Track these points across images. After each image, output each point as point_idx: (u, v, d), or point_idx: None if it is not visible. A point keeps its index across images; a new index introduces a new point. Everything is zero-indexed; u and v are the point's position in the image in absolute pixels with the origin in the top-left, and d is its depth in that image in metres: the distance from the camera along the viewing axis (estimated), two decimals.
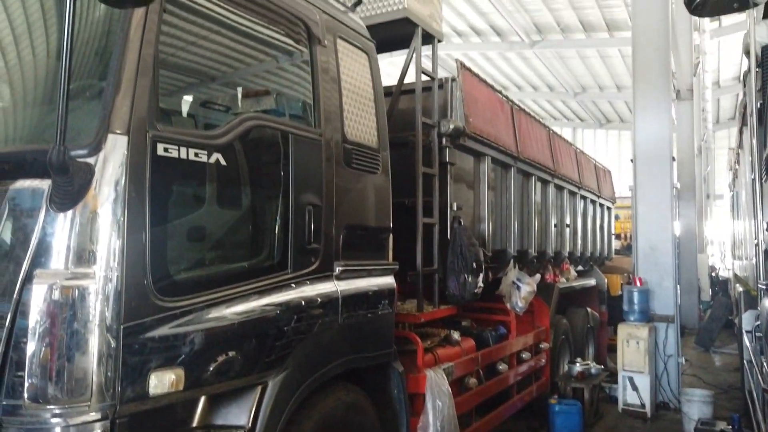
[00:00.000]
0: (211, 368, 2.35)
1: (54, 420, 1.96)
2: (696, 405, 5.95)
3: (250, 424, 2.49)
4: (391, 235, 3.60)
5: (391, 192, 3.57)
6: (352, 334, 3.15)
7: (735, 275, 8.62)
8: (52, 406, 1.95)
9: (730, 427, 5.06)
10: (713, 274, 17.02)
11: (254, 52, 3.10)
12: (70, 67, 1.85)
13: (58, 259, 1.99)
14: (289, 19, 2.98)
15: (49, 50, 2.48)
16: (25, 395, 1.93)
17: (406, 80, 4.43)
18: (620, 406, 6.72)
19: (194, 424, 2.43)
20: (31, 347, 1.94)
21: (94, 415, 2.00)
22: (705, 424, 5.65)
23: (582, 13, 14.40)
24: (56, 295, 1.96)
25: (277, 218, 2.77)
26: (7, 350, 1.95)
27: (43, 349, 1.95)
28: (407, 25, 4.20)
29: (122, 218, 2.06)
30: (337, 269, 3.08)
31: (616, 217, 11.50)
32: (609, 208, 9.80)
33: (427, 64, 4.42)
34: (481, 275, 4.46)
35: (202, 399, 2.45)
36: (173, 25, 2.45)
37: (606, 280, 9.08)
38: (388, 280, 3.50)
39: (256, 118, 2.67)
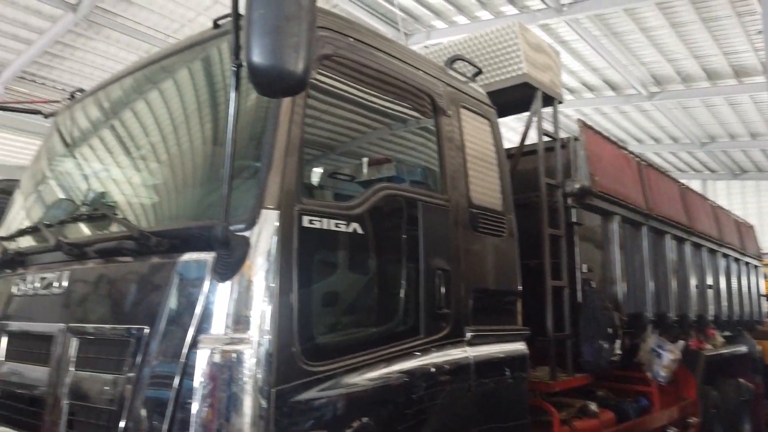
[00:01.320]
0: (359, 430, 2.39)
1: None
2: None
3: None
4: (520, 299, 3.53)
5: (518, 254, 3.53)
6: (485, 403, 3.07)
7: None
8: None
9: None
10: None
11: (383, 125, 3.29)
12: (233, 153, 2.08)
13: (218, 325, 2.18)
14: (416, 94, 3.15)
15: (209, 137, 2.79)
16: None
17: (527, 141, 4.44)
18: None
19: None
20: (195, 406, 2.10)
21: None
22: None
23: (705, 61, 13.69)
24: (216, 358, 2.13)
25: (409, 283, 2.83)
26: (174, 410, 2.13)
27: (205, 409, 2.10)
28: (527, 89, 4.25)
29: (274, 286, 2.22)
30: (468, 334, 3.06)
31: (765, 276, 10.39)
32: (756, 267, 8.90)
33: (546, 126, 4.42)
34: (618, 341, 4.20)
35: None
36: (314, 107, 2.68)
37: (759, 347, 8.12)
38: (520, 346, 3.41)
39: (389, 187, 2.80)
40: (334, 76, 2.75)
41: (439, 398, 2.78)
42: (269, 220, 2.26)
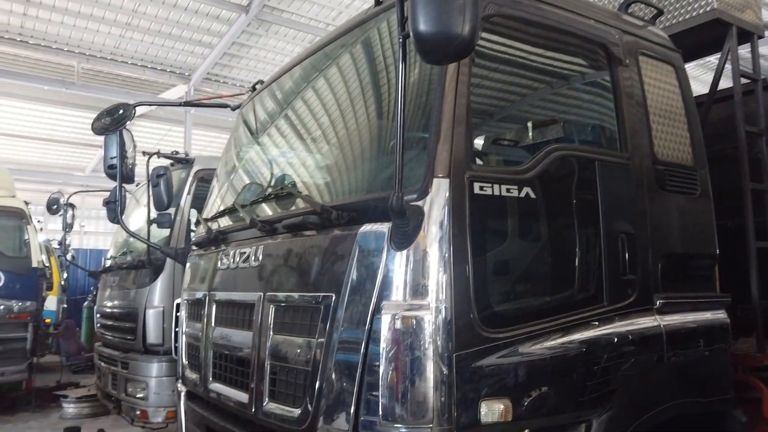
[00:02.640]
0: (535, 402, 2.35)
1: None
2: None
3: None
4: (717, 264, 3.17)
5: (713, 214, 3.16)
6: (680, 375, 2.83)
7: None
8: (400, 425, 2.18)
9: None
10: None
11: (552, 83, 3.12)
12: (404, 124, 2.12)
13: (398, 292, 2.26)
14: (588, 47, 2.93)
15: (378, 111, 2.87)
16: (380, 413, 2.20)
17: (719, 86, 3.92)
18: None
19: None
20: (381, 370, 2.21)
21: None
22: None
23: None
24: (398, 324, 2.22)
25: (589, 249, 2.68)
26: (363, 372, 2.26)
27: (390, 372, 2.20)
28: (717, 27, 3.73)
29: (448, 254, 2.24)
30: (658, 302, 2.82)
31: None
32: None
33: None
34: None
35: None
36: (480, 72, 2.62)
37: None
38: (720, 315, 3.07)
39: (562, 148, 2.66)
40: (499, 37, 2.66)
41: (626, 369, 2.61)
42: (441, 189, 2.27)
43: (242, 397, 2.94)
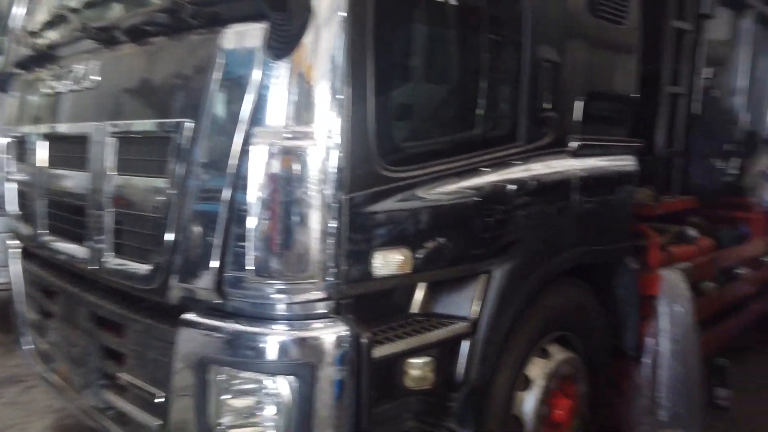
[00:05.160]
0: (436, 251, 2.03)
1: (278, 296, 1.79)
2: None
3: (473, 315, 2.17)
4: (634, 108, 2.92)
5: (640, 51, 2.84)
6: (587, 223, 2.64)
7: None
8: (276, 281, 1.77)
9: None
10: None
11: None
12: None
13: (275, 117, 1.72)
14: None
15: None
16: (249, 267, 1.76)
17: None
18: None
19: (415, 311, 2.19)
20: (252, 215, 1.73)
21: (318, 294, 1.79)
22: None
23: None
24: (275, 157, 1.71)
25: (509, 76, 2.27)
26: (229, 218, 1.77)
27: (264, 218, 1.73)
28: None
29: (342, 66, 1.71)
30: (573, 144, 2.53)
31: None
32: None
33: None
34: (734, 160, 3.59)
35: (423, 286, 2.18)
36: None
37: None
38: (630, 162, 2.88)
39: None
40: None
41: (533, 216, 2.35)
42: None
43: (82, 252, 2.38)
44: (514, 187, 2.24)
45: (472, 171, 2.15)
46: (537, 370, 2.52)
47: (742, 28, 4.03)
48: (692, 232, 3.81)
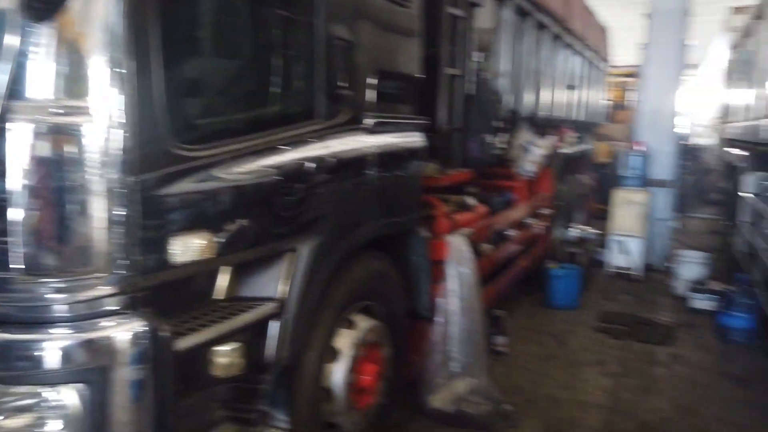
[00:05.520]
0: (239, 233, 1.96)
1: (55, 296, 1.57)
2: (690, 266, 5.99)
3: (281, 295, 2.15)
4: (419, 87, 3.11)
5: (423, 33, 3.03)
6: (384, 197, 2.77)
7: (727, 141, 8.51)
8: (52, 279, 1.55)
9: (731, 286, 5.10)
10: (683, 143, 17.09)
11: None
12: None
13: (40, 89, 1.48)
14: None
15: None
16: (16, 265, 1.51)
17: None
18: (609, 268, 6.77)
19: (220, 297, 2.09)
20: (16, 205, 1.48)
21: (106, 289, 1.61)
22: (699, 283, 5.74)
23: None
24: (42, 136, 1.48)
25: (304, 54, 2.25)
26: None
27: (33, 207, 1.49)
28: None
29: (124, 38, 1.52)
30: (369, 122, 2.62)
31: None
32: (603, 72, 9.32)
33: None
34: (502, 135, 4.06)
35: (227, 270, 2.10)
36: None
37: (595, 147, 8.86)
38: (419, 138, 3.07)
39: None
40: None
41: (334, 192, 2.39)
42: None
43: None
44: (314, 164, 2.24)
45: (272, 149, 2.10)
46: (344, 341, 2.61)
47: (503, 18, 4.54)
48: (471, 200, 4.24)
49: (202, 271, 1.96)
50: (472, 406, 3.42)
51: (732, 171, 7.77)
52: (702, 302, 5.52)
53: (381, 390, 2.88)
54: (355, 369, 2.63)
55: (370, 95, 2.62)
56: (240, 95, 2.14)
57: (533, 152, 5.10)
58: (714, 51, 13.53)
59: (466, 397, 3.47)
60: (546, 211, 5.97)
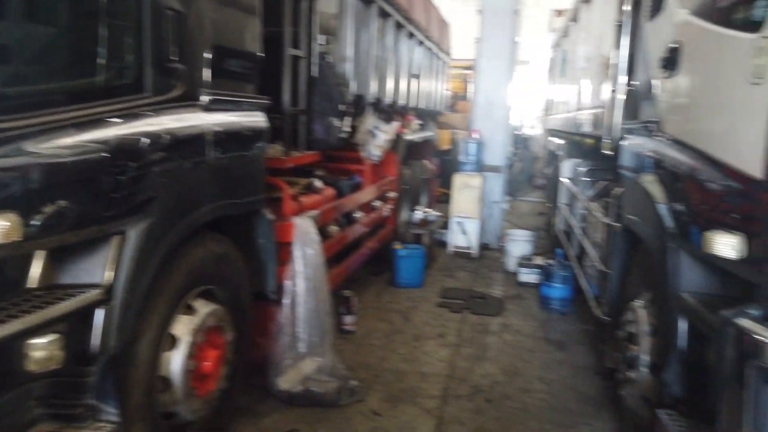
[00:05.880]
0: (55, 214, 1.80)
1: None
2: (519, 244, 6.60)
3: (107, 281, 2.01)
4: (259, 67, 3.06)
5: (262, 12, 2.97)
6: (223, 177, 2.69)
7: (550, 131, 9.46)
8: None
9: (552, 260, 5.70)
10: (516, 133, 18.70)
11: None
12: None
13: None
14: None
15: None
16: None
17: None
18: (450, 248, 7.23)
19: (34, 286, 1.90)
20: None
21: None
22: (526, 259, 6.35)
23: None
24: None
25: (130, 23, 2.10)
26: None
27: None
28: None
29: None
30: (205, 98, 2.52)
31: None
32: (444, 63, 9.86)
33: None
34: (348, 118, 4.14)
35: (42, 255, 1.91)
36: None
37: (437, 135, 9.36)
38: (260, 117, 3.02)
39: None
40: None
41: (167, 171, 2.28)
42: None
43: None
44: (145, 140, 2.11)
45: (95, 122, 1.95)
46: (183, 327, 2.51)
47: (347, 3, 4.60)
48: (318, 183, 4.28)
49: (10, 257, 1.77)
50: (319, 384, 3.48)
51: (553, 158, 8.65)
52: (528, 276, 6.12)
53: (224, 375, 2.82)
54: (195, 355, 2.55)
55: (207, 71, 2.52)
56: (56, 63, 1.95)
57: (379, 137, 5.27)
58: (541, 49, 14.89)
59: (313, 376, 3.53)
60: (392, 195, 6.21)
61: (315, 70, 3.93)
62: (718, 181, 2.16)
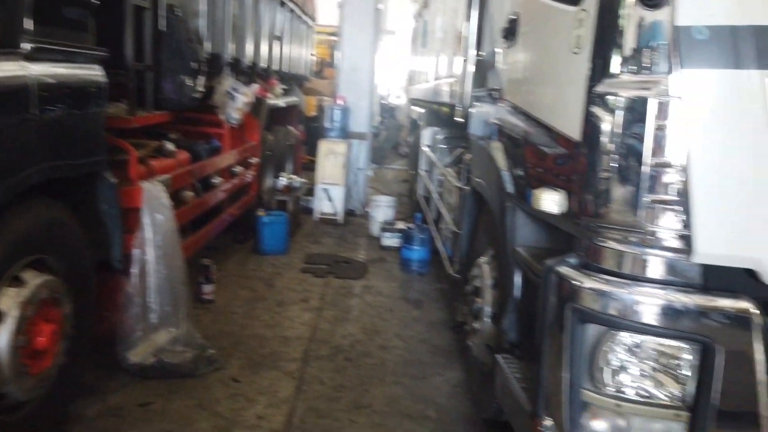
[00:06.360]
0: None
1: None
2: (382, 209, 6.78)
3: None
4: (94, 14, 2.79)
5: None
6: (53, 135, 2.44)
7: (413, 100, 9.72)
8: None
9: (412, 225, 5.94)
10: (383, 102, 19.01)
11: None
12: None
13: None
14: None
15: None
16: None
17: None
18: (316, 215, 7.25)
19: None
20: None
21: None
22: (389, 224, 6.55)
23: None
24: None
25: None
26: None
27: None
28: None
29: None
30: (26, 46, 2.26)
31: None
32: (310, 27, 9.69)
33: None
34: (201, 78, 3.93)
35: None
36: None
37: (304, 101, 9.24)
38: (96, 71, 2.77)
39: None
40: None
41: None
42: None
43: None
44: None
45: None
46: (8, 301, 2.28)
47: None
48: (170, 146, 4.05)
49: None
50: (173, 355, 3.36)
51: (415, 127, 8.92)
52: (390, 240, 6.32)
53: (62, 351, 2.62)
54: (25, 331, 2.33)
55: (28, 15, 2.25)
56: None
57: (238, 99, 5.09)
58: (406, 20, 15.15)
59: (167, 347, 3.39)
60: (254, 160, 6.05)
61: (162, 24, 3.67)
62: (546, 145, 2.36)
